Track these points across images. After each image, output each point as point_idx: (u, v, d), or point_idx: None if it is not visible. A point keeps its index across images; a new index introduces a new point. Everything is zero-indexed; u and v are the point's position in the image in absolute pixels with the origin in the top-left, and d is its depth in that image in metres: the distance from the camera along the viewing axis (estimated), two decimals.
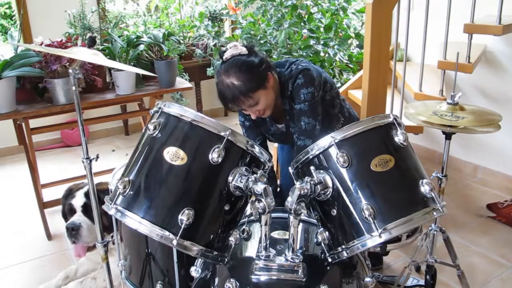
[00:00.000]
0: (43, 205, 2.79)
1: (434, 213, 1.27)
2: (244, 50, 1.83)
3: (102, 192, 1.90)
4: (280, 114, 2.06)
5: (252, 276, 1.28)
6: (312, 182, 1.27)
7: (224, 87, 1.82)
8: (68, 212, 2.23)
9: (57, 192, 2.85)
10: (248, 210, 1.38)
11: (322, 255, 1.38)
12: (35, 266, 2.51)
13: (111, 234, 1.76)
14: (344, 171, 1.27)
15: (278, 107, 2.01)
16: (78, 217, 2.16)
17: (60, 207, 2.34)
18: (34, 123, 2.74)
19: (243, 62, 1.81)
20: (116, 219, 1.69)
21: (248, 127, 2.15)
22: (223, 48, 1.89)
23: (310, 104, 1.96)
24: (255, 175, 1.26)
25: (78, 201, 2.19)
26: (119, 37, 2.87)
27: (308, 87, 1.94)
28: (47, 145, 4.34)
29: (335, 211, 1.30)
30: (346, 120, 2.19)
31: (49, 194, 2.94)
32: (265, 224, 1.27)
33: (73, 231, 2.13)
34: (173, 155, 1.23)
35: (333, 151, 1.29)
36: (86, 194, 2.19)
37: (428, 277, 2.03)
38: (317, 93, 1.97)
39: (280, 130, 2.10)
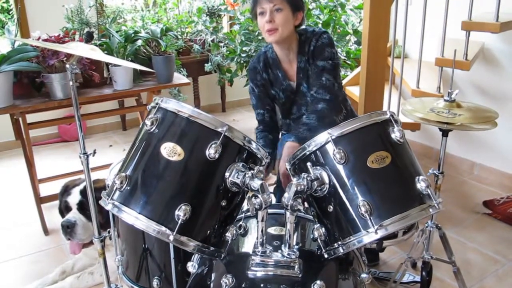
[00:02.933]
0: (40, 200, 2.79)
1: (430, 210, 1.27)
2: None
3: (98, 190, 1.90)
4: (293, 68, 2.08)
5: (249, 272, 1.28)
6: (308, 178, 1.28)
7: None
8: (64, 209, 2.23)
9: (54, 187, 2.84)
10: (245, 206, 1.38)
11: (319, 251, 1.38)
12: (32, 261, 2.51)
13: (108, 230, 1.76)
14: (340, 168, 1.28)
15: (292, 57, 2.06)
16: (74, 215, 2.17)
17: (57, 202, 2.34)
18: (31, 118, 2.73)
19: None
20: (113, 215, 1.69)
21: (257, 95, 2.14)
22: None
23: (333, 64, 2.01)
24: (252, 171, 1.27)
25: (73, 198, 2.20)
26: (116, 32, 2.86)
27: (332, 48, 2.02)
28: (44, 140, 4.33)
29: (331, 207, 1.30)
30: (348, 114, 2.21)
31: (46, 189, 2.93)
32: (262, 220, 1.28)
33: (68, 229, 2.13)
34: (170, 150, 1.23)
35: (330, 148, 1.29)
36: (82, 192, 2.19)
37: (424, 273, 2.03)
38: (337, 56, 2.05)
39: (291, 87, 2.10)
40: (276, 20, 1.91)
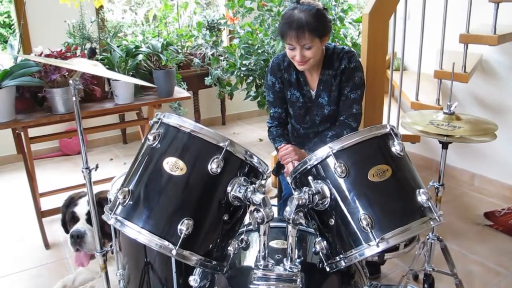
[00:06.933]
0: (41, 214, 2.79)
1: (431, 222, 1.28)
2: (321, 5, 1.96)
3: (105, 200, 1.91)
4: (314, 79, 2.11)
5: (251, 286, 1.28)
6: (310, 192, 1.28)
7: (295, 16, 1.88)
8: (70, 220, 2.21)
9: (55, 201, 2.85)
10: (247, 219, 1.39)
11: (320, 265, 1.39)
12: (32, 276, 2.50)
13: (110, 244, 1.76)
14: (341, 181, 1.29)
15: (315, 69, 2.08)
16: (82, 225, 2.15)
17: (58, 216, 2.34)
18: (32, 132, 2.75)
19: (320, 10, 1.92)
20: (115, 229, 1.70)
21: (277, 91, 2.14)
22: None
23: (362, 92, 2.11)
24: (253, 185, 1.27)
25: (81, 209, 2.18)
26: (118, 46, 2.88)
27: (361, 72, 2.09)
28: (46, 153, 4.34)
29: (333, 220, 1.31)
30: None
31: (47, 203, 2.94)
32: (264, 234, 1.28)
33: (78, 239, 2.12)
34: (173, 165, 1.24)
35: (331, 161, 1.30)
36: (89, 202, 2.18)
37: (426, 285, 2.03)
38: (364, 80, 2.12)
39: (310, 94, 2.13)
40: (306, 55, 1.92)
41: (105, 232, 1.77)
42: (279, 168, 2.19)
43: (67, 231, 2.22)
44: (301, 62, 1.94)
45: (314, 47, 1.91)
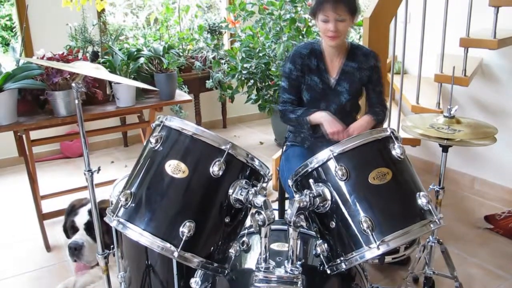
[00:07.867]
0: (42, 217, 2.79)
1: (431, 225, 1.29)
2: None
3: (105, 210, 1.91)
4: (334, 67, 2.18)
5: None
6: (311, 195, 1.29)
7: None
8: (69, 228, 2.20)
9: (56, 204, 2.86)
10: (248, 222, 1.39)
11: (321, 267, 1.39)
12: (33, 278, 2.51)
13: (112, 246, 1.76)
14: (342, 184, 1.30)
15: (338, 57, 2.17)
16: (81, 236, 2.14)
17: (59, 219, 2.34)
18: (34, 134, 2.75)
19: None
20: (117, 231, 1.70)
21: (294, 79, 2.18)
22: None
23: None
24: (255, 187, 1.28)
25: (81, 219, 2.18)
26: (119, 50, 2.90)
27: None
28: (47, 156, 4.35)
29: (333, 223, 1.32)
30: None
31: (48, 206, 2.94)
32: (265, 236, 1.29)
33: (76, 251, 2.11)
34: (175, 168, 1.25)
35: (332, 164, 1.31)
36: (90, 212, 2.16)
37: None
38: None
39: (329, 81, 2.17)
40: (339, 28, 2.02)
41: (105, 243, 1.75)
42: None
43: (68, 237, 2.22)
44: (333, 34, 2.02)
45: (346, 22, 2.02)
